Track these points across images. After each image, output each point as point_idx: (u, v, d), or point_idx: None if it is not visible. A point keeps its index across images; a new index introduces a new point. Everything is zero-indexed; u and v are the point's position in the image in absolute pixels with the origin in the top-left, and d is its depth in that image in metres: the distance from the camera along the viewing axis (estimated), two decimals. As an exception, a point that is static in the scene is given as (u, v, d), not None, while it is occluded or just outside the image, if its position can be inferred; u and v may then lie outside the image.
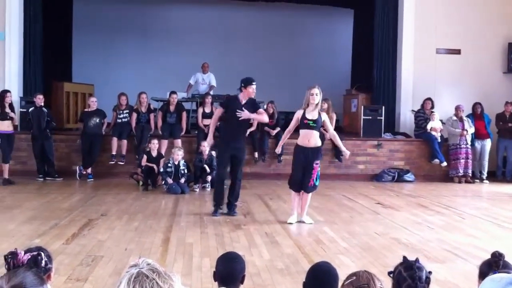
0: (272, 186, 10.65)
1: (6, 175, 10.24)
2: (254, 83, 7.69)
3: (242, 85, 7.75)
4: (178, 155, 9.98)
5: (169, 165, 9.89)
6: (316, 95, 7.14)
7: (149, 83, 13.91)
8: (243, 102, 7.69)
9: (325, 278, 2.67)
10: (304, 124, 7.16)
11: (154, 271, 1.67)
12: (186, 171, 10.00)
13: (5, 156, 10.38)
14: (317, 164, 7.21)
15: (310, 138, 7.15)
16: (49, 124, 10.87)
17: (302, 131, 7.24)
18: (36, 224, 6.81)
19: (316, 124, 7.15)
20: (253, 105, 7.78)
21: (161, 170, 10.02)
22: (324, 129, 7.73)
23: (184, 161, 10.14)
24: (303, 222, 7.29)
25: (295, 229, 7.03)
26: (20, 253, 2.12)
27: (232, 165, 7.85)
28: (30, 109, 10.83)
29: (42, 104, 10.86)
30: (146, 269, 1.67)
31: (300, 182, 7.25)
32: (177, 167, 9.89)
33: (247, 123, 7.92)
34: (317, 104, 7.17)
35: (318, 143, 7.23)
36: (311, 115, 7.15)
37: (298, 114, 7.26)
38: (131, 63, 16.63)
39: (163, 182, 10.02)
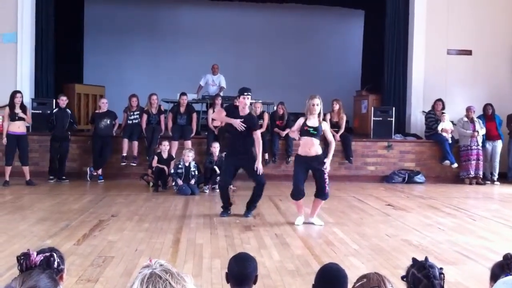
0: (282, 187, 10.62)
1: (7, 177, 10.27)
2: (246, 93, 7.60)
3: (238, 94, 7.77)
4: (189, 156, 10.00)
5: (180, 166, 9.91)
6: (317, 105, 7.12)
7: (160, 85, 13.97)
8: (241, 115, 7.67)
9: (335, 279, 2.67)
10: (305, 130, 7.14)
11: (167, 272, 1.68)
12: (196, 172, 10.01)
13: (8, 158, 10.36)
14: (326, 169, 7.20)
15: (311, 147, 7.14)
16: (71, 125, 10.96)
17: (302, 139, 7.22)
18: (47, 225, 6.85)
19: (317, 132, 7.13)
20: (251, 121, 7.73)
21: (172, 171, 10.04)
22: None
23: (195, 163, 10.15)
24: (313, 223, 7.29)
25: (305, 230, 7.03)
26: (33, 254, 2.13)
27: (248, 173, 7.86)
28: (54, 110, 10.93)
29: (65, 105, 10.95)
30: (159, 269, 1.68)
31: (303, 190, 7.23)
32: (187, 168, 9.91)
33: (251, 133, 7.73)
34: (318, 114, 7.14)
35: (319, 151, 7.21)
36: (312, 122, 7.14)
37: (300, 121, 7.25)
38: (141, 64, 16.71)
39: (173, 184, 10.04)
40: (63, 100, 10.96)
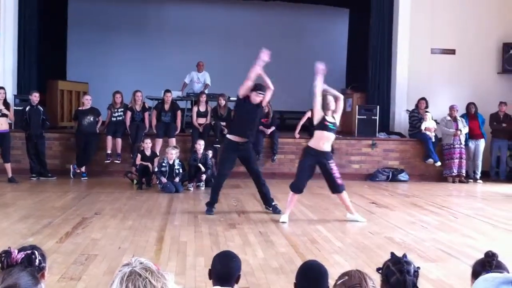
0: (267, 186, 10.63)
1: None
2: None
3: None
4: (172, 154, 9.93)
5: (164, 164, 9.86)
6: (332, 102, 7.35)
7: (144, 82, 13.87)
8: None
9: (315, 276, 2.68)
10: (325, 125, 7.24)
11: (147, 269, 1.66)
12: (180, 170, 9.97)
13: None
14: (332, 163, 7.33)
15: (325, 142, 7.27)
16: (44, 122, 10.80)
17: (318, 132, 7.29)
18: (29, 222, 6.79)
19: (335, 128, 7.35)
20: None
21: (156, 169, 9.98)
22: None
23: (179, 160, 10.11)
24: (356, 220, 7.39)
25: (290, 228, 7.04)
26: (14, 252, 2.11)
27: (246, 164, 8.00)
28: (27, 108, 10.70)
29: (37, 102, 10.75)
30: (139, 267, 1.67)
31: (304, 185, 7.35)
32: (171, 166, 9.86)
33: (255, 121, 7.93)
34: (333, 110, 7.33)
35: (329, 148, 7.41)
36: (330, 118, 7.30)
37: (320, 114, 7.31)
38: (126, 61, 16.59)
39: (157, 182, 9.99)
40: (36, 97, 10.71)
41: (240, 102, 7.96)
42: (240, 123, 7.92)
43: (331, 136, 7.29)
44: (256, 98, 7.71)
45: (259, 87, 7.75)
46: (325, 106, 7.28)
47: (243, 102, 7.84)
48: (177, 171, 9.88)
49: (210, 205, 7.82)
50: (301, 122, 11.68)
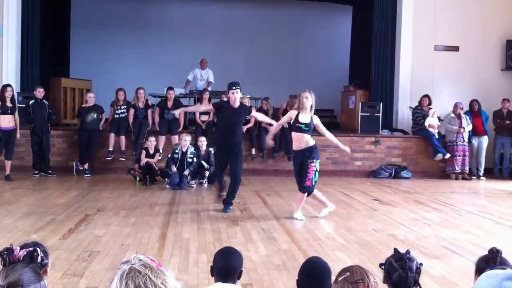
0: (270, 182, 10.66)
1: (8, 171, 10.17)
2: (234, 87, 7.59)
3: (227, 89, 7.85)
4: (186, 140, 9.91)
5: (176, 151, 9.85)
6: (306, 98, 7.17)
7: (147, 79, 13.88)
8: (234, 107, 7.69)
9: (318, 273, 2.68)
10: (296, 127, 7.21)
11: (146, 266, 1.65)
12: (195, 159, 9.91)
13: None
14: (312, 163, 7.20)
15: (301, 142, 7.19)
16: (50, 117, 10.79)
17: (294, 135, 7.30)
18: (32, 219, 6.80)
19: (308, 128, 7.20)
20: (244, 110, 7.91)
21: (168, 156, 9.99)
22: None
23: (193, 149, 10.07)
24: (295, 218, 7.31)
25: (292, 225, 7.04)
26: (16, 249, 2.11)
27: (230, 165, 7.87)
28: (30, 102, 10.66)
29: (42, 97, 10.70)
30: (138, 265, 1.66)
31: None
32: (184, 154, 9.84)
33: (239, 128, 7.87)
34: (310, 109, 7.19)
35: (311, 142, 7.23)
36: (304, 118, 7.19)
37: (292, 114, 7.31)
38: (129, 58, 16.60)
39: (167, 169, 9.95)
40: (40, 92, 10.66)
41: (220, 106, 7.94)
42: (221, 128, 7.94)
43: (305, 136, 7.19)
44: (231, 95, 7.64)
45: (231, 84, 7.67)
46: (300, 105, 7.21)
47: (225, 106, 7.82)
48: (189, 159, 9.84)
49: (227, 203, 7.80)
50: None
